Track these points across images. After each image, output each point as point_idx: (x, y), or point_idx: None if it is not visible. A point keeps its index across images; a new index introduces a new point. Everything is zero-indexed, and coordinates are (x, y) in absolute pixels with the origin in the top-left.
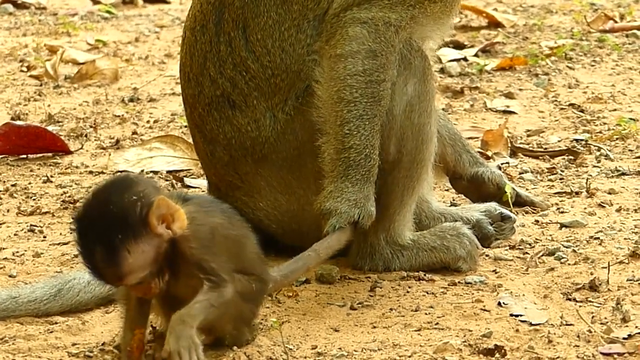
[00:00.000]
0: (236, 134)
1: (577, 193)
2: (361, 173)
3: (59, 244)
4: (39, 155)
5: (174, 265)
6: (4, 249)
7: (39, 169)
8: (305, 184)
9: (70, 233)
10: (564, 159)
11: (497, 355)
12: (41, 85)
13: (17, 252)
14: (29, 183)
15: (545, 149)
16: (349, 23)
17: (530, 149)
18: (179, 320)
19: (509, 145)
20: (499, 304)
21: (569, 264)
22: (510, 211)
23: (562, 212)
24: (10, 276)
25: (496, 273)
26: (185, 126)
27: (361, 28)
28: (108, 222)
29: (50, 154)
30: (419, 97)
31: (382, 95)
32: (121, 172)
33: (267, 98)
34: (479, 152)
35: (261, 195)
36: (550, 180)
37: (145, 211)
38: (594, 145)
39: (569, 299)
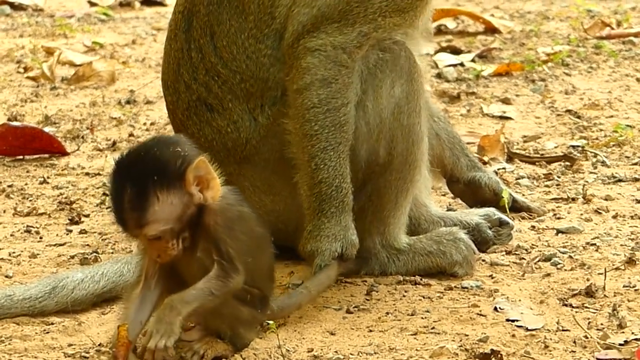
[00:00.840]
0: (216, 136)
1: (573, 199)
2: (335, 205)
3: (55, 245)
4: (35, 156)
5: (195, 237)
6: (0, 249)
7: (35, 170)
8: (290, 184)
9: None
10: (560, 165)
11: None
12: (38, 86)
13: (14, 252)
14: (26, 184)
15: (542, 154)
16: (302, 54)
17: (527, 154)
18: (169, 304)
19: (506, 150)
20: (495, 309)
21: (565, 270)
22: (508, 217)
23: (558, 218)
24: (6, 277)
25: (492, 278)
26: None
27: (312, 57)
28: (146, 165)
29: (46, 155)
30: (407, 97)
31: (344, 120)
32: None
33: (242, 102)
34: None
35: (246, 196)
36: (546, 186)
37: (184, 166)
38: (591, 152)
39: (565, 305)
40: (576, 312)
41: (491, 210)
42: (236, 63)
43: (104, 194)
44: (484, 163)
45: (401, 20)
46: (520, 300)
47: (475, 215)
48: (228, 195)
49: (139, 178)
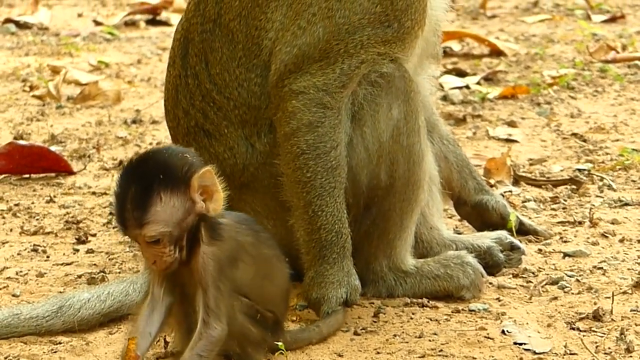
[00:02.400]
0: (215, 162)
1: (580, 223)
2: (336, 252)
3: (62, 264)
4: (42, 175)
5: (192, 251)
6: (7, 268)
7: (42, 189)
8: (290, 209)
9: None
10: (566, 188)
11: None
12: (44, 105)
13: (21, 271)
14: (32, 203)
15: (548, 178)
16: (287, 97)
17: (533, 177)
18: None
19: (512, 173)
20: (503, 332)
21: (572, 293)
22: (518, 241)
23: (565, 242)
24: (13, 295)
25: (500, 301)
26: None
27: (296, 101)
28: (153, 166)
29: (53, 174)
30: (405, 118)
31: (335, 163)
32: None
33: (237, 128)
34: None
35: None
36: (553, 209)
37: (191, 171)
38: (597, 175)
39: (573, 328)
40: (584, 335)
41: (503, 234)
42: (229, 90)
43: (111, 213)
44: (491, 186)
45: (387, 49)
46: (527, 323)
47: (487, 238)
48: (226, 227)
49: (144, 177)
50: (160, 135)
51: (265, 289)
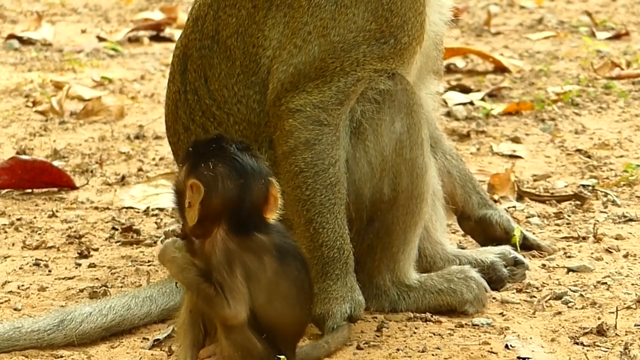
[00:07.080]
0: None
1: (584, 238)
2: (339, 268)
3: (64, 278)
4: (44, 189)
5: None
6: (9, 282)
7: (44, 203)
8: (292, 224)
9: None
10: (570, 204)
11: None
12: (47, 120)
13: (22, 285)
14: (34, 217)
15: (552, 193)
16: (284, 115)
17: (537, 193)
18: (174, 250)
19: (516, 189)
20: (507, 346)
21: (576, 308)
22: (523, 256)
23: (569, 257)
24: (15, 309)
25: (503, 316)
26: None
27: (293, 120)
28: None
29: (55, 189)
30: (408, 131)
31: (334, 180)
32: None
33: None
34: None
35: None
36: (557, 224)
37: (196, 172)
38: (601, 191)
39: (577, 343)
40: (587, 350)
41: (507, 249)
42: (228, 106)
43: (113, 228)
44: (495, 201)
45: (384, 65)
46: (531, 338)
47: (491, 253)
48: (258, 239)
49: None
50: (163, 151)
51: (271, 319)
